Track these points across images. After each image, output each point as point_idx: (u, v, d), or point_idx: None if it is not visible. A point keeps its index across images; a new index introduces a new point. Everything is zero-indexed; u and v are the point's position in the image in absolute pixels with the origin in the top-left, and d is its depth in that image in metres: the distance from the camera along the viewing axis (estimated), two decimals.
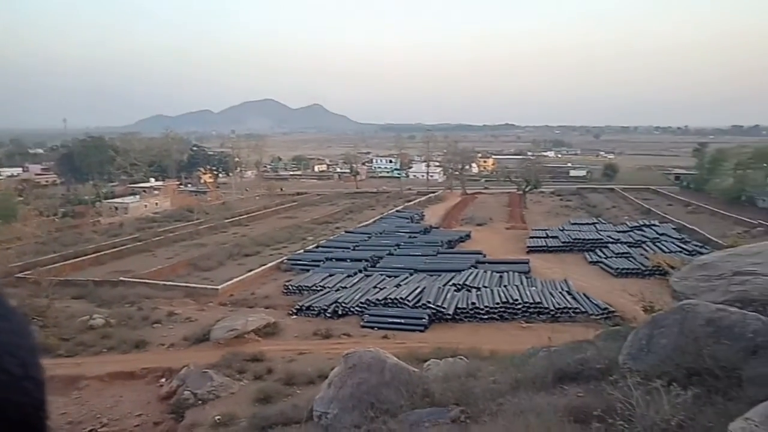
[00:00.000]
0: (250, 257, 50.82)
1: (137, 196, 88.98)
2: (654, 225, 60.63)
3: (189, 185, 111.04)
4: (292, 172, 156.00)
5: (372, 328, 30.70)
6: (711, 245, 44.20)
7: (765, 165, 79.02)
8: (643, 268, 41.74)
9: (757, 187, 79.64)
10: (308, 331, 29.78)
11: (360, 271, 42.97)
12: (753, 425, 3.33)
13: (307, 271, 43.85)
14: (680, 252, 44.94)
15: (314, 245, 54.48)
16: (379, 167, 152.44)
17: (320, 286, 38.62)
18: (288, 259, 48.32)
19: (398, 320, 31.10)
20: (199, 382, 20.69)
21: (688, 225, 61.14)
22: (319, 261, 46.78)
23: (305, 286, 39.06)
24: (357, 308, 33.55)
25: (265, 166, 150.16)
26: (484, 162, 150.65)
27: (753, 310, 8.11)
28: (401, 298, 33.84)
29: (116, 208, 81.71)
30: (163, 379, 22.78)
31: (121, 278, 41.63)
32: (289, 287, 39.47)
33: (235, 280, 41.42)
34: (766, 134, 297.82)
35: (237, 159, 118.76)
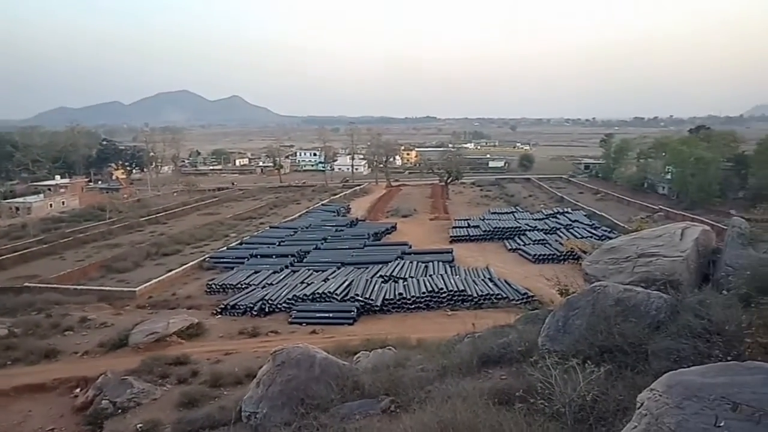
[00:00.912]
0: (169, 257, 48.81)
1: (41, 195, 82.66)
2: (567, 212, 64.21)
3: (99, 182, 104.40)
4: (212, 167, 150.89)
5: (300, 323, 30.45)
6: (618, 230, 47.36)
7: (663, 154, 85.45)
8: (558, 254, 44.08)
9: (657, 174, 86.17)
10: (234, 331, 29.10)
11: (286, 267, 42.42)
12: (657, 395, 3.61)
13: (231, 268, 42.75)
14: (591, 237, 47.84)
15: (238, 242, 53.23)
16: (304, 160, 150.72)
17: (245, 283, 37.77)
18: (210, 257, 46.88)
19: (327, 314, 31.05)
20: (118, 390, 19.64)
21: (597, 211, 65.29)
22: (244, 258, 45.73)
23: (229, 285, 38.04)
24: (284, 305, 33.13)
25: (183, 161, 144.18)
26: (408, 154, 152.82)
27: (656, 289, 8.79)
28: (329, 292, 33.78)
29: (17, 209, 75.53)
30: (78, 390, 21.41)
31: (26, 284, 38.80)
32: (213, 286, 38.30)
33: (154, 281, 39.65)
34: (664, 125, 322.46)
35: (152, 153, 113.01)
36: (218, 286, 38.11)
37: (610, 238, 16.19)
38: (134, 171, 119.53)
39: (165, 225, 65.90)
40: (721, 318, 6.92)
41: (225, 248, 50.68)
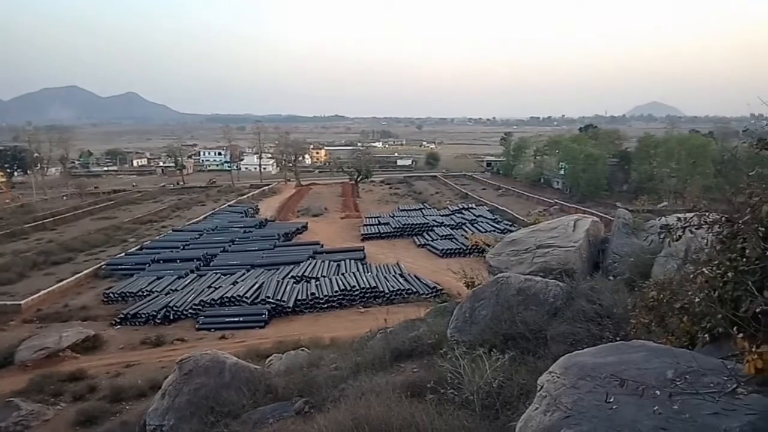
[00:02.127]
0: (60, 265, 44.94)
1: None
2: (472, 208, 66.87)
3: None
4: (106, 168, 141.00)
5: (209, 329, 29.38)
6: (518, 223, 49.97)
7: (557, 151, 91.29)
8: (464, 248, 45.78)
9: (552, 170, 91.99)
10: (136, 341, 27.48)
11: (192, 272, 40.63)
12: (555, 377, 3.85)
13: (131, 275, 40.22)
14: (494, 231, 50.12)
15: (138, 247, 50.27)
16: (208, 160, 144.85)
17: (147, 290, 35.72)
18: (107, 264, 43.81)
19: (236, 319, 30.16)
20: (3, 414, 17.88)
21: (499, 206, 68.58)
22: (144, 264, 43.24)
23: (129, 293, 35.79)
24: (191, 311, 31.76)
25: (73, 162, 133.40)
26: (317, 153, 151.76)
27: (553, 278, 9.40)
28: (239, 295, 32.83)
29: None
30: None
31: None
32: (111, 295, 35.84)
33: (42, 292, 36.35)
34: (557, 124, 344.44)
35: (37, 154, 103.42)
36: (117, 295, 35.74)
37: (511, 232, 17.10)
38: (16, 174, 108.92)
39: (54, 231, 60.62)
40: (610, 302, 7.54)
41: (123, 254, 47.58)
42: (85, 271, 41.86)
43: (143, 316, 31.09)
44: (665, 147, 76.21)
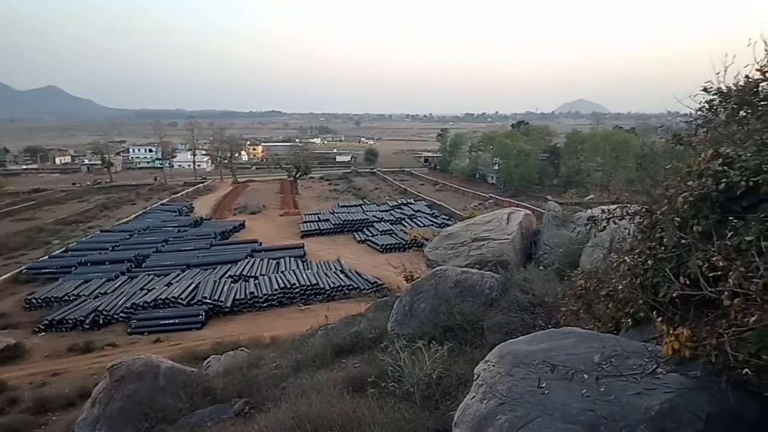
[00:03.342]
0: None
1: None
2: (410, 203, 67.70)
3: None
4: (25, 166, 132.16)
5: (142, 333, 28.23)
6: (455, 218, 50.94)
7: (491, 147, 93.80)
8: (404, 242, 46.26)
9: (487, 166, 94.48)
10: (62, 348, 26.02)
11: (122, 274, 38.86)
12: (491, 365, 3.97)
13: (56, 279, 37.97)
14: (432, 225, 50.82)
15: (62, 249, 47.49)
16: (138, 157, 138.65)
17: (74, 294, 33.84)
18: (29, 269, 41.14)
19: (172, 321, 29.17)
20: None
21: (437, 201, 69.76)
22: (70, 267, 40.93)
23: (54, 297, 33.77)
24: (122, 314, 30.40)
25: None
26: (254, 149, 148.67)
27: (488, 270, 9.67)
28: (173, 297, 31.76)
29: None
30: None
31: None
32: (33, 300, 33.67)
33: None
34: (491, 121, 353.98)
35: None
36: (40, 300, 33.64)
37: (449, 226, 17.44)
38: None
39: None
40: (542, 291, 7.85)
41: (47, 257, 44.84)
42: (3, 276, 39.13)
43: (70, 321, 29.45)
44: (591, 142, 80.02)
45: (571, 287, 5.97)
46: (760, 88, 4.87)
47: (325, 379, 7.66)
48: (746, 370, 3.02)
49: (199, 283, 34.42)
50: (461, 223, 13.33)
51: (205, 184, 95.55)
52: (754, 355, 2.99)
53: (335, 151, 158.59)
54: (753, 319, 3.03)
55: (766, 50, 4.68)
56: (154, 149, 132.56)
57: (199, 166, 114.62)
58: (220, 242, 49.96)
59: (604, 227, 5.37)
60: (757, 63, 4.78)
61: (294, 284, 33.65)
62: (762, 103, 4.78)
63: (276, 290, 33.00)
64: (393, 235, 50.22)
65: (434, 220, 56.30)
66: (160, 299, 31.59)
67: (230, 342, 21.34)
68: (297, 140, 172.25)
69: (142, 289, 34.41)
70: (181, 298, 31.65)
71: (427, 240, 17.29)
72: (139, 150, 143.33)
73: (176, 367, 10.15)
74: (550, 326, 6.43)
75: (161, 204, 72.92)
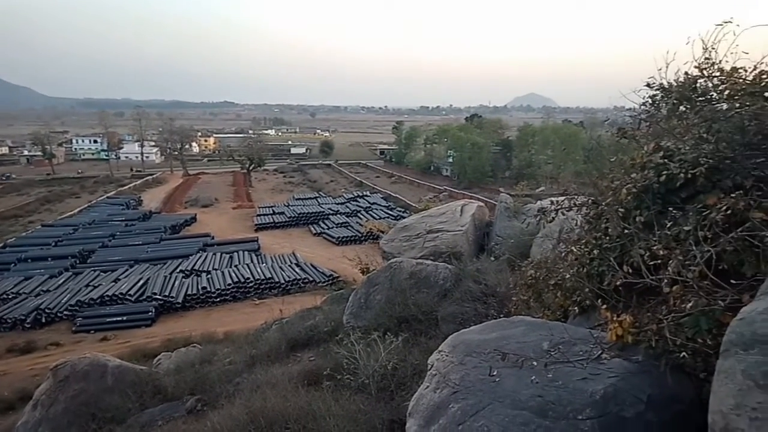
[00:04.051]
0: None
1: None
2: (366, 195, 67.76)
3: None
4: None
5: (88, 331, 27.25)
6: (410, 210, 51.30)
7: (445, 140, 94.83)
8: (360, 235, 46.26)
9: (441, 158, 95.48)
10: (1, 349, 24.83)
11: (66, 270, 37.28)
12: (444, 355, 4.03)
13: None
14: (388, 218, 51.11)
15: (0, 245, 45.17)
16: (82, 148, 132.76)
17: (13, 293, 32.24)
18: None
19: (120, 318, 28.25)
20: None
21: (392, 194, 70.07)
22: (9, 263, 38.98)
23: None
24: (66, 312, 29.22)
25: None
26: (205, 141, 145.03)
27: (442, 261, 9.79)
28: (121, 293, 30.76)
29: None
30: None
31: None
32: None
33: None
34: (445, 114, 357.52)
35: None
36: None
37: (404, 218, 17.56)
38: None
39: None
40: (494, 282, 8.01)
41: None
42: None
43: (9, 321, 28.09)
44: (542, 135, 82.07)
45: (521, 277, 6.11)
46: (698, 85, 5.10)
47: (279, 374, 7.60)
48: (684, 353, 3.18)
49: (148, 278, 33.45)
50: (416, 216, 13.43)
51: (155, 176, 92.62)
52: (690, 339, 3.15)
53: (290, 142, 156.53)
54: (690, 305, 3.18)
55: (703, 49, 4.90)
56: (99, 140, 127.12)
57: (147, 157, 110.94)
58: (171, 236, 48.67)
59: (553, 218, 5.53)
60: (696, 61, 5.00)
61: (248, 278, 33.17)
62: (700, 98, 5.01)
63: (229, 285, 32.45)
64: (349, 227, 50.16)
65: (390, 212, 56.55)
66: (107, 296, 30.54)
67: (182, 338, 20.89)
68: (250, 132, 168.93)
69: (87, 285, 33.15)
70: (130, 295, 30.69)
71: (382, 232, 17.35)
72: (83, 141, 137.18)
73: (125, 365, 9.84)
74: (501, 315, 6.57)
75: (107, 197, 70.28)
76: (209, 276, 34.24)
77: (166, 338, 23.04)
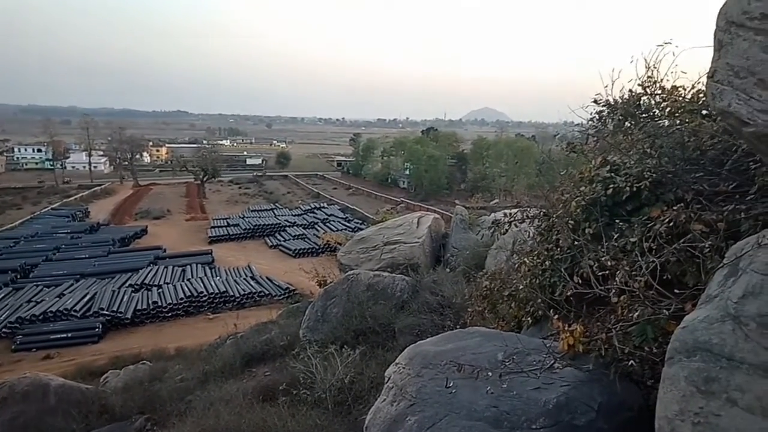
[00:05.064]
0: None
1: None
2: (323, 207, 67.37)
3: None
4: None
5: (29, 349, 25.84)
6: (368, 222, 51.36)
7: (402, 152, 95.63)
8: (317, 247, 45.89)
9: (398, 170, 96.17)
10: None
11: (6, 285, 35.35)
12: (401, 367, 4.04)
13: None
14: (345, 229, 50.93)
15: None
16: (25, 158, 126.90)
17: None
18: None
19: (64, 335, 26.94)
20: None
21: (350, 205, 70.01)
22: None
23: None
24: (5, 330, 27.67)
25: None
26: (157, 151, 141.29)
27: (400, 273, 9.83)
28: (66, 309, 29.40)
29: None
30: None
31: None
32: None
33: None
34: (402, 126, 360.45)
35: None
36: None
37: (361, 229, 17.55)
38: None
39: None
40: (450, 293, 8.09)
41: None
42: None
43: None
44: (495, 149, 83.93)
45: (477, 288, 6.20)
46: (641, 102, 5.34)
47: (234, 390, 7.43)
48: (632, 361, 3.29)
49: (95, 293, 32.12)
50: (374, 227, 13.46)
51: (103, 186, 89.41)
52: (637, 348, 3.26)
53: (245, 153, 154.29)
54: (636, 314, 3.30)
55: (646, 68, 5.14)
56: (44, 149, 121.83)
57: (95, 167, 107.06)
58: (120, 249, 46.95)
59: (507, 230, 5.65)
60: (639, 79, 5.24)
61: (201, 292, 32.33)
62: (643, 115, 5.24)
63: (182, 299, 31.53)
64: (306, 239, 49.71)
65: (347, 224, 56.39)
66: (51, 312, 29.11)
67: (131, 355, 20.12)
68: (205, 142, 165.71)
69: (29, 301, 31.50)
70: (75, 310, 29.37)
71: (340, 244, 17.28)
72: (25, 150, 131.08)
73: (69, 384, 9.41)
74: (458, 326, 6.63)
75: (52, 209, 67.23)
76: (160, 290, 33.18)
77: (114, 355, 22.16)
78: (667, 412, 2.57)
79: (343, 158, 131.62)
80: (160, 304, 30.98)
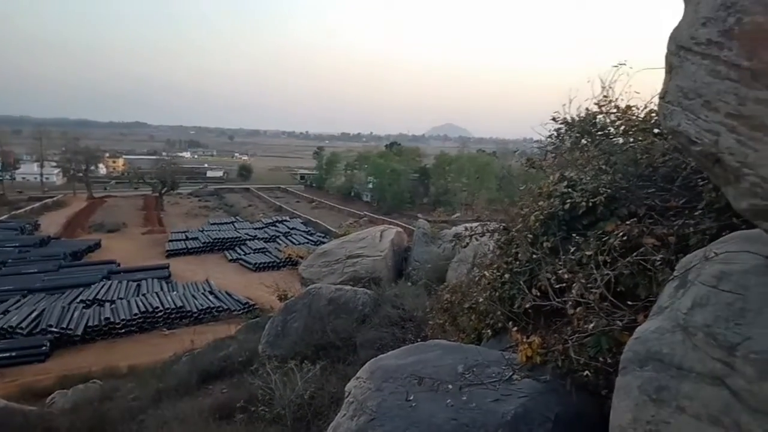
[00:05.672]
0: None
1: None
2: (285, 220, 66.70)
3: None
4: None
5: None
6: (331, 235, 51.10)
7: (366, 166, 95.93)
8: (278, 261, 45.32)
9: (362, 184, 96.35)
10: None
11: None
12: (362, 382, 4.00)
13: None
14: (307, 243, 50.54)
15: None
16: None
17: None
18: None
19: (8, 354, 25.62)
20: None
21: (312, 219, 69.54)
22: None
23: None
24: None
25: None
26: (114, 162, 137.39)
27: (362, 286, 9.79)
28: (11, 326, 28.03)
29: None
30: None
31: None
32: None
33: None
34: (366, 141, 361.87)
35: None
36: None
37: (324, 243, 17.45)
38: None
39: None
40: (412, 306, 8.11)
41: None
42: None
43: None
44: (457, 164, 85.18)
45: (438, 301, 6.23)
46: (597, 120, 5.52)
47: (189, 408, 7.21)
48: (587, 372, 3.35)
49: (43, 309, 30.75)
50: (336, 241, 13.41)
51: (55, 198, 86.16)
52: (593, 358, 3.33)
53: (206, 165, 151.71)
54: (591, 325, 3.37)
55: (602, 87, 5.33)
56: None
57: (47, 179, 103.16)
58: (71, 263, 45.18)
59: (468, 244, 5.70)
60: (595, 98, 5.43)
61: (157, 307, 31.39)
62: (599, 133, 5.42)
63: (136, 314, 30.52)
64: (267, 253, 49.02)
65: (310, 237, 55.95)
66: None
67: (80, 374, 19.28)
68: (164, 153, 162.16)
69: None
70: (21, 328, 28.02)
71: (301, 258, 17.13)
72: None
73: (11, 406, 8.95)
74: (419, 339, 6.64)
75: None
76: (113, 306, 32.04)
77: (62, 375, 21.21)
78: (620, 420, 2.62)
79: (306, 171, 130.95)
80: (112, 320, 29.91)
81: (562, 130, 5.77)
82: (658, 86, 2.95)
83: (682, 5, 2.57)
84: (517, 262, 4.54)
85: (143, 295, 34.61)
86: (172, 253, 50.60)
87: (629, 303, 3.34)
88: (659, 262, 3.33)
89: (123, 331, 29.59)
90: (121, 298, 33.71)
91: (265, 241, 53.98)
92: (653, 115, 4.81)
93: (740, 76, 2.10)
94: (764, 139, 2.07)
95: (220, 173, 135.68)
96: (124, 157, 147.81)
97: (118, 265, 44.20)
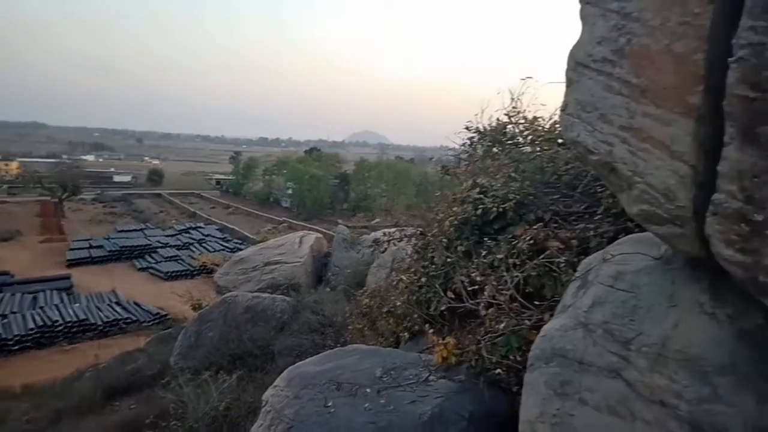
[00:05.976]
0: None
1: None
2: (200, 227, 64.21)
3: None
4: None
5: None
6: (248, 242, 49.83)
7: (285, 172, 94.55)
8: (192, 269, 43.54)
9: (281, 190, 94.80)
10: None
11: None
12: (279, 390, 3.94)
13: None
14: (223, 250, 48.91)
15: None
16: None
17: None
18: None
19: None
20: None
21: (229, 225, 67.50)
22: None
23: None
24: None
25: None
26: (6, 165, 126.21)
27: (280, 293, 9.63)
28: None
29: None
30: None
31: None
32: None
33: None
34: (285, 146, 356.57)
35: None
36: None
37: (241, 250, 16.98)
38: None
39: None
40: (331, 312, 8.08)
41: None
42: None
43: None
44: (377, 170, 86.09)
45: (357, 306, 6.26)
46: (507, 130, 5.80)
47: (92, 427, 6.76)
48: (499, 370, 3.50)
49: None
50: (254, 247, 13.12)
51: None
52: (504, 357, 3.48)
53: (113, 169, 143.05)
54: (502, 325, 3.53)
55: (511, 99, 5.61)
56: None
57: None
58: None
59: (386, 249, 5.79)
60: (505, 109, 5.70)
61: (56, 321, 29.13)
62: (509, 142, 5.70)
63: (32, 329, 28.15)
64: (180, 261, 46.97)
65: (226, 244, 54.24)
66: None
67: None
68: (65, 156, 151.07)
69: None
70: None
71: (217, 266, 16.59)
72: None
73: None
74: (338, 345, 6.63)
75: None
76: (5, 320, 29.37)
77: None
78: (529, 415, 2.76)
79: (222, 176, 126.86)
80: (4, 336, 27.42)
81: (475, 139, 6.01)
82: (561, 99, 3.15)
83: (581, 25, 2.77)
84: (433, 266, 4.66)
85: (40, 308, 32.01)
86: (74, 263, 47.19)
87: (536, 303, 3.53)
88: (563, 264, 3.55)
89: (16, 347, 27.20)
90: (15, 312, 31.00)
91: (177, 249, 51.69)
92: (557, 126, 5.12)
93: (630, 92, 2.29)
94: (651, 150, 2.27)
95: (128, 178, 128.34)
96: (18, 160, 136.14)
97: (12, 276, 40.62)
